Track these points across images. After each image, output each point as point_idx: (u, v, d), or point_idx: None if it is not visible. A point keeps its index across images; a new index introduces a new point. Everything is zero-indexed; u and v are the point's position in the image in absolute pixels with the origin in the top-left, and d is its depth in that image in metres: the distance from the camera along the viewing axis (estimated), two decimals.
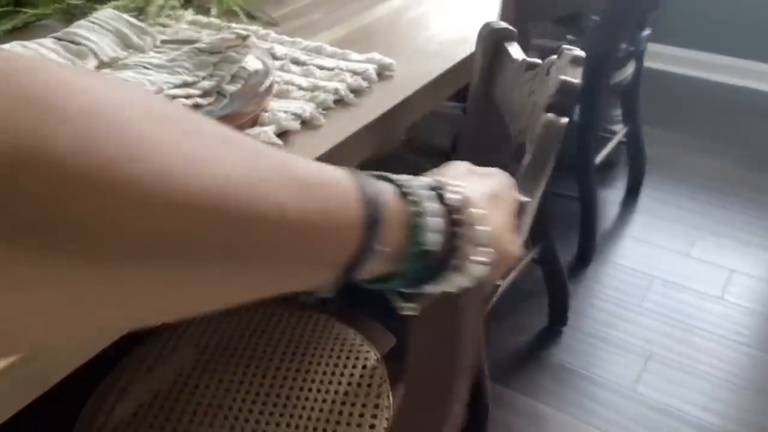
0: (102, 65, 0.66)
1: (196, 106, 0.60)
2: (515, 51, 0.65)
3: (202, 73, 0.62)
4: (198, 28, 0.85)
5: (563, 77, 0.55)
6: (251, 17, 0.92)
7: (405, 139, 1.27)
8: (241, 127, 0.65)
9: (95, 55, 0.66)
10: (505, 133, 0.66)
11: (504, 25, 0.66)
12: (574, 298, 1.58)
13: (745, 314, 1.56)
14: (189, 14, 0.88)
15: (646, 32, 1.68)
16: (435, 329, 0.55)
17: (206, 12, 0.91)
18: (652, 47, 2.26)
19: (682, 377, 1.39)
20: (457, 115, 1.38)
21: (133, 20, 0.71)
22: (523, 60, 0.63)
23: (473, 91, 0.72)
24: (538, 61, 0.62)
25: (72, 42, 0.66)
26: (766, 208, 1.92)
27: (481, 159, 0.44)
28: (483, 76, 0.69)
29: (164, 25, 0.85)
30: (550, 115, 0.55)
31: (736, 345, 1.47)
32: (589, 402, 1.35)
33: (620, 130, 1.89)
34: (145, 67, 0.63)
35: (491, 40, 0.67)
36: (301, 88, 0.73)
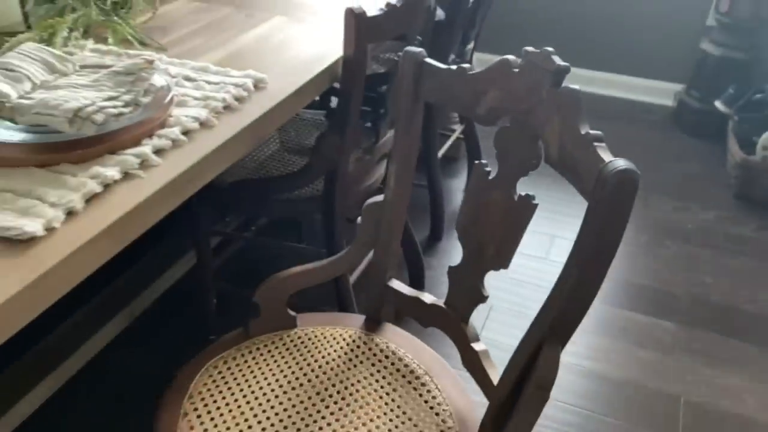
0: (35, 87, 0.84)
1: (121, 114, 0.81)
2: (435, 63, 0.87)
3: (122, 89, 0.82)
4: (101, 55, 1.04)
5: None
6: (143, 44, 1.11)
7: (281, 142, 1.50)
8: (152, 129, 0.85)
9: (29, 78, 0.84)
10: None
11: (420, 49, 0.89)
12: (428, 268, 1.88)
13: None
14: (90, 43, 1.06)
15: (470, 46, 2.03)
16: None
17: (104, 41, 1.09)
18: (477, 56, 2.65)
19: (517, 321, 1.73)
20: (320, 121, 1.64)
21: (54, 50, 0.89)
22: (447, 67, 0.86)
23: (403, 93, 0.91)
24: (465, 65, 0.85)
25: (7, 69, 0.84)
26: None
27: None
28: (413, 83, 0.89)
29: (70, 53, 1.03)
30: None
31: None
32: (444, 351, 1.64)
33: (458, 128, 2.24)
34: (74, 87, 0.82)
35: (415, 60, 0.89)
36: (195, 98, 0.95)
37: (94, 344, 1.54)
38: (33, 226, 0.66)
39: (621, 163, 0.63)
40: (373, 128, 1.44)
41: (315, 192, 1.36)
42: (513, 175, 0.85)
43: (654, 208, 2.26)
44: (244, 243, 1.88)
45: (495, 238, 0.87)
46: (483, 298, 0.91)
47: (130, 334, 1.62)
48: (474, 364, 0.92)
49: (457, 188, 2.32)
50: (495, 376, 0.89)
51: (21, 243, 0.66)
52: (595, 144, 0.68)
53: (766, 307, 1.82)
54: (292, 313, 1.05)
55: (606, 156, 0.66)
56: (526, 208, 0.83)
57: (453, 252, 1.99)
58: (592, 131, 0.70)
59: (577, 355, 1.63)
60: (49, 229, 0.68)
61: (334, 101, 1.85)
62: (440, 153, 2.05)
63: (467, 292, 0.93)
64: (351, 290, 1.42)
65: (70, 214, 0.71)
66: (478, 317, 1.73)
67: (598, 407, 1.49)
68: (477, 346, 0.93)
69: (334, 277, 1.39)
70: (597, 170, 0.64)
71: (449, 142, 2.17)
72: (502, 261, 0.87)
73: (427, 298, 1.01)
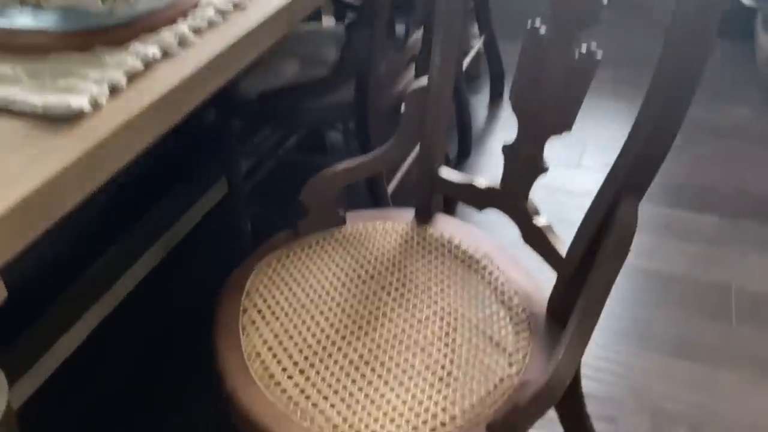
0: None
1: None
2: None
3: None
4: None
5: None
6: None
7: (301, 57, 1.44)
8: (186, 10, 0.80)
9: None
10: None
11: None
12: None
13: (598, 172, 1.89)
14: None
15: None
16: None
17: None
18: None
19: (557, 227, 1.69)
20: (342, 35, 1.58)
21: None
22: None
23: None
24: None
25: None
26: (612, 90, 2.28)
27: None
28: None
29: None
30: None
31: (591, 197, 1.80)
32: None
33: (478, 42, 2.16)
34: None
35: None
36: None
37: (130, 279, 1.53)
38: (79, 101, 0.62)
39: None
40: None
41: (346, 98, 1.31)
42: (570, 31, 0.79)
43: None
44: (275, 165, 1.84)
45: (555, 101, 0.82)
46: (543, 169, 0.87)
47: (165, 267, 1.60)
48: (537, 239, 0.89)
49: (480, 105, 2.26)
50: (562, 248, 0.85)
51: (69, 120, 0.62)
52: None
53: None
54: (341, 211, 1.02)
55: None
56: (590, 64, 0.78)
57: (483, 167, 1.94)
58: None
59: None
60: (95, 106, 0.64)
61: (349, 17, 1.78)
62: (463, 68, 1.98)
63: (525, 165, 0.89)
64: (387, 193, 1.38)
65: (115, 90, 0.67)
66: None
67: (649, 301, 1.47)
68: (539, 221, 0.89)
69: (368, 183, 1.36)
70: None
71: (470, 56, 2.10)
72: (565, 123, 0.82)
73: (481, 182, 0.97)
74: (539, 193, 1.81)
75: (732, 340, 1.37)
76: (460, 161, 1.96)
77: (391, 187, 1.48)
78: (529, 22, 0.83)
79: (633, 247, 1.71)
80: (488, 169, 1.92)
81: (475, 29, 2.23)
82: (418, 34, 1.41)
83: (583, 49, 0.78)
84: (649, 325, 1.41)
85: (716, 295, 1.48)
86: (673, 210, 1.74)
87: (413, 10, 1.33)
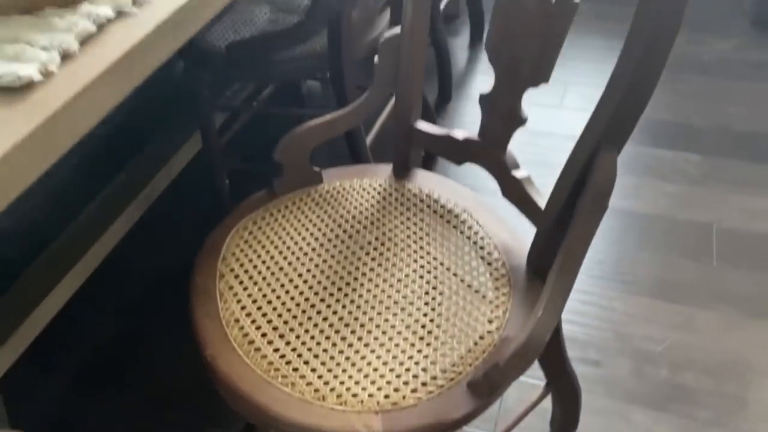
0: None
1: None
2: None
3: None
4: None
5: None
6: None
7: (271, 3, 1.38)
8: None
9: None
10: None
11: None
12: None
13: (580, 113, 1.87)
14: None
15: None
16: None
17: None
18: None
19: (541, 170, 1.68)
20: None
21: None
22: None
23: None
24: None
25: None
26: (592, 31, 2.22)
27: None
28: None
29: None
30: None
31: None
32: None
33: None
34: None
35: None
36: None
37: (107, 240, 1.50)
38: (27, 69, 0.59)
39: None
40: None
41: (319, 49, 1.27)
42: None
43: None
44: (250, 118, 1.80)
45: (532, 52, 0.79)
46: (522, 121, 0.85)
47: (144, 226, 1.58)
48: (517, 192, 0.87)
49: (460, 46, 2.20)
50: (541, 201, 0.84)
51: (17, 91, 0.59)
52: None
53: None
54: (317, 168, 0.99)
55: None
56: (568, 9, 0.74)
57: (464, 112, 1.91)
58: None
59: None
60: (46, 74, 0.61)
61: None
62: (441, 7, 1.92)
63: (503, 116, 0.86)
64: (366, 146, 1.35)
65: (66, 56, 0.63)
66: None
67: (630, 243, 1.47)
68: (518, 173, 0.87)
69: (347, 136, 1.33)
70: None
71: None
72: (542, 74, 0.79)
73: (459, 133, 0.94)
74: (521, 137, 1.79)
75: (712, 280, 1.38)
76: (440, 106, 1.93)
77: (369, 139, 1.45)
78: None
79: (615, 188, 1.71)
80: (470, 114, 1.89)
81: None
82: None
83: None
84: (632, 267, 1.42)
85: (697, 235, 1.49)
86: (655, 149, 1.73)
87: None
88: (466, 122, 1.85)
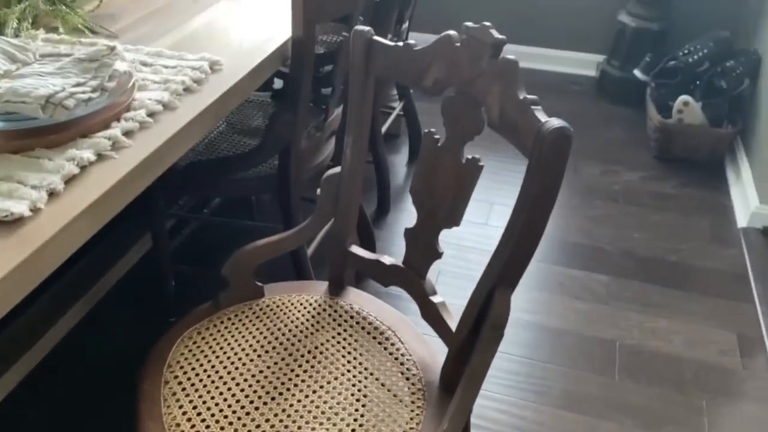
0: (1, 76, 0.86)
1: (90, 99, 0.84)
2: (383, 40, 0.94)
3: (88, 75, 0.86)
4: (54, 44, 1.06)
5: None
6: (93, 32, 1.13)
7: (228, 123, 1.54)
8: (119, 113, 0.89)
9: None
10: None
11: (368, 28, 0.95)
12: (378, 239, 1.97)
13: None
14: (41, 33, 1.07)
15: (405, 25, 2.10)
16: None
17: (54, 30, 1.11)
18: (412, 35, 2.72)
19: (464, 283, 1.84)
20: (265, 102, 1.68)
21: (12, 40, 0.91)
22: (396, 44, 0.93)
23: (355, 70, 0.97)
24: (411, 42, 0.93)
25: None
26: (515, 156, 2.47)
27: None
28: (363, 59, 0.96)
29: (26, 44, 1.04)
30: None
31: None
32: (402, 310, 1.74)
33: (398, 105, 2.31)
34: (40, 75, 0.85)
35: (365, 38, 0.95)
36: (155, 82, 0.99)
37: (54, 335, 1.55)
38: (19, 207, 0.70)
39: (556, 122, 0.72)
40: (318, 107, 1.50)
41: (269, 170, 1.42)
42: (460, 140, 0.93)
43: (583, 172, 2.42)
44: (199, 224, 1.91)
45: (447, 199, 0.95)
46: (438, 255, 1.00)
47: (90, 322, 1.64)
48: (433, 315, 1.01)
49: (399, 163, 2.41)
50: (453, 323, 0.98)
51: (9, 224, 0.70)
52: (533, 107, 0.77)
53: (687, 257, 1.99)
54: (259, 283, 1.11)
55: (542, 117, 0.75)
56: (474, 170, 0.92)
57: (401, 223, 2.08)
58: (529, 96, 0.78)
59: (519, 310, 1.76)
60: (35, 210, 0.72)
61: (277, 83, 1.89)
62: (383, 130, 2.12)
63: (423, 250, 1.01)
64: (308, 261, 1.48)
65: (53, 195, 0.75)
66: None
67: (542, 356, 1.62)
68: (435, 299, 1.02)
69: (291, 251, 1.46)
70: (535, 129, 0.73)
71: (390, 119, 2.25)
72: (454, 219, 0.95)
73: (386, 259, 1.09)
74: (450, 250, 1.96)
75: (614, 393, 1.53)
76: (378, 217, 2.09)
77: (310, 250, 1.58)
78: (425, 130, 0.96)
79: (529, 304, 1.88)
80: (402, 225, 2.05)
81: (395, 92, 2.38)
82: (338, 111, 1.53)
83: (469, 156, 0.92)
84: (543, 379, 1.56)
85: (602, 350, 1.65)
86: (567, 269, 1.92)
87: (333, 90, 1.45)
88: (397, 233, 2.01)
